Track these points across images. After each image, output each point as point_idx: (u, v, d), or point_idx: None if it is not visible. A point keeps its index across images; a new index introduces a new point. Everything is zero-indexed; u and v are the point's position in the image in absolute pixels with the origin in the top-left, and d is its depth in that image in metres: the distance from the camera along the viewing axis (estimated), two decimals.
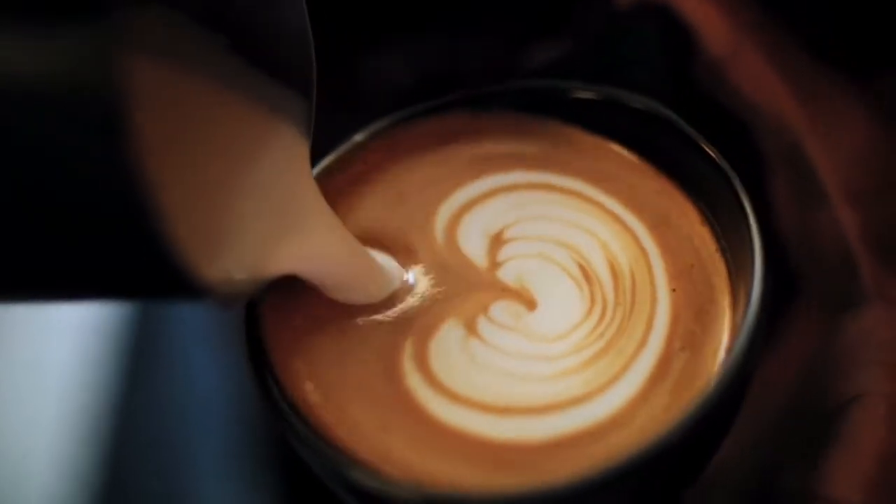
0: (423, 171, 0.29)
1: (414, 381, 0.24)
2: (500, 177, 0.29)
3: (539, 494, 0.22)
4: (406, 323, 0.26)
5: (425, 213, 0.28)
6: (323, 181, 0.28)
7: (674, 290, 0.26)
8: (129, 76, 0.17)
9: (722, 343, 0.25)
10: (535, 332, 0.25)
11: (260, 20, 0.24)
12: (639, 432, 0.23)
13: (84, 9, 0.17)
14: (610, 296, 0.26)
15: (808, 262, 0.29)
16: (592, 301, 0.26)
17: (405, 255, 0.27)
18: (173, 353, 0.50)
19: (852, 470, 0.26)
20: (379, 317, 0.26)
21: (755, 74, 0.29)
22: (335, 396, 0.24)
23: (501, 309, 0.26)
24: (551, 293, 0.26)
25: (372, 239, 0.27)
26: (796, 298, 0.30)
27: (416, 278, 0.27)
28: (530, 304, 0.26)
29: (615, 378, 0.24)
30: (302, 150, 0.25)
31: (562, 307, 0.26)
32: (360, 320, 0.26)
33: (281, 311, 0.26)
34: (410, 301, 0.26)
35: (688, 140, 0.27)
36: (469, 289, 0.26)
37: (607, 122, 0.29)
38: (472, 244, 0.27)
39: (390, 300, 0.26)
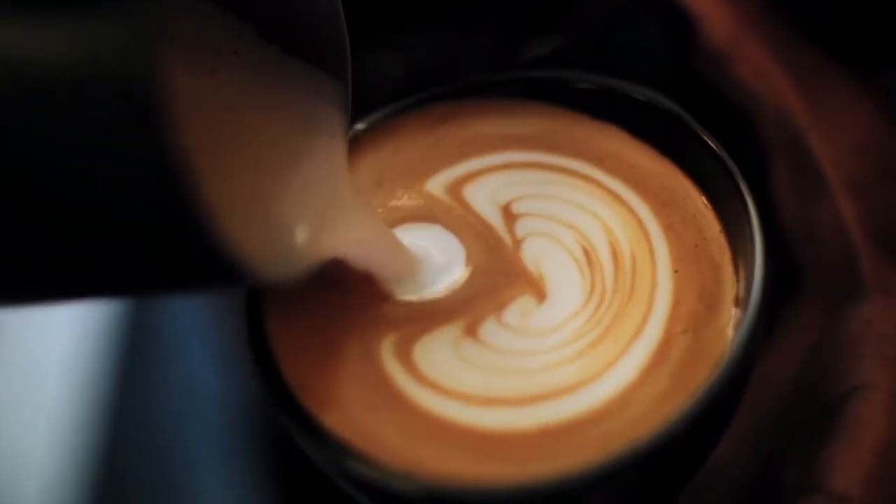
0: (420, 152, 0.29)
1: (407, 377, 0.24)
2: (496, 155, 0.29)
3: (532, 487, 0.21)
4: (410, 320, 0.25)
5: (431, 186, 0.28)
6: None
7: (676, 271, 0.26)
8: (164, 65, 0.17)
9: (728, 323, 0.24)
10: (536, 327, 0.25)
11: (290, 3, 0.24)
12: (637, 418, 0.23)
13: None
14: (609, 281, 0.26)
15: (809, 254, 0.29)
16: (592, 287, 0.26)
17: None
18: (170, 349, 0.50)
19: (852, 463, 0.26)
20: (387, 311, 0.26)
21: (757, 65, 0.29)
22: (336, 390, 0.24)
23: (517, 305, 0.25)
24: (559, 281, 0.26)
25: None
26: (797, 290, 0.30)
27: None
28: (541, 297, 0.26)
29: (611, 364, 0.24)
30: (341, 133, 0.25)
31: (564, 297, 0.26)
32: (370, 312, 0.26)
33: (282, 307, 0.26)
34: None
35: (691, 133, 0.27)
36: (500, 277, 0.26)
37: (609, 110, 0.28)
38: (487, 212, 0.27)
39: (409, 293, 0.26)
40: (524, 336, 0.25)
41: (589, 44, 0.29)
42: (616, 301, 0.25)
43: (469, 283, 0.26)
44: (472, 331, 0.25)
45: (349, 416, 0.24)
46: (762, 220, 0.25)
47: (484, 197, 0.28)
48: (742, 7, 0.29)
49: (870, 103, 0.29)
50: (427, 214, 0.28)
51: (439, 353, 0.25)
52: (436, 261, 0.26)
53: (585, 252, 0.26)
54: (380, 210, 0.28)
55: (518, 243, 0.27)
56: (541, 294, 0.26)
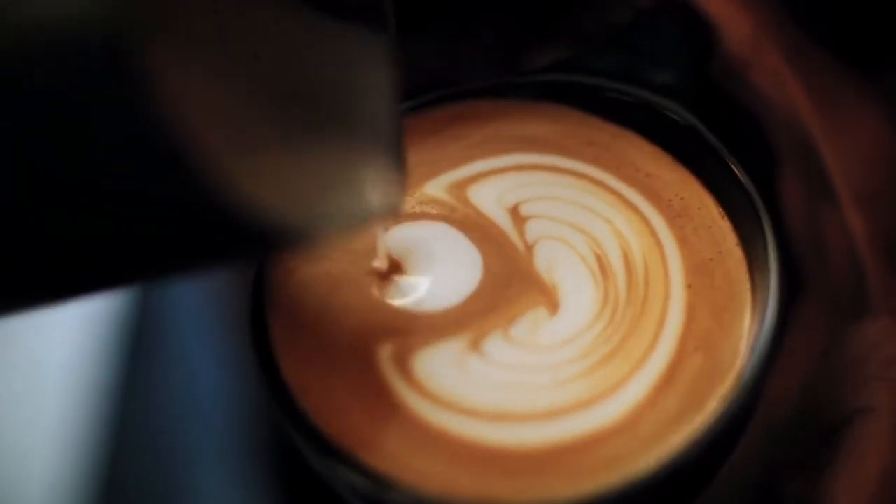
0: (427, 153, 0.28)
1: (411, 389, 0.24)
2: (506, 157, 0.28)
3: None
4: (420, 326, 0.25)
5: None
6: None
7: (690, 286, 0.25)
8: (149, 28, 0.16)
9: (741, 342, 0.24)
10: (546, 340, 0.24)
11: None
12: (646, 438, 0.23)
13: None
14: (622, 294, 0.25)
15: (816, 268, 0.29)
16: (605, 299, 0.25)
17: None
18: (172, 352, 0.50)
19: (856, 485, 0.26)
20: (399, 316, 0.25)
21: (773, 73, 0.28)
22: (339, 399, 0.24)
23: (530, 316, 0.25)
24: (573, 290, 0.25)
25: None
26: (803, 305, 0.30)
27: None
28: (553, 308, 0.25)
29: (621, 382, 0.23)
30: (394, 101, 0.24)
31: (577, 308, 0.25)
32: (374, 319, 0.25)
33: (287, 312, 0.25)
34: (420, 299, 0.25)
35: (709, 147, 0.26)
36: (515, 287, 0.25)
37: (625, 116, 0.28)
38: (496, 214, 0.27)
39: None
40: (534, 350, 0.24)
41: (605, 48, 0.29)
42: (629, 315, 0.24)
43: (483, 289, 0.25)
44: (479, 343, 0.24)
45: (351, 425, 0.23)
46: (778, 238, 0.24)
47: (491, 199, 0.27)
48: (760, 13, 0.29)
49: (883, 113, 0.29)
50: (433, 216, 0.27)
51: (445, 365, 0.24)
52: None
53: (598, 259, 0.26)
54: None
55: (530, 248, 0.26)
56: (553, 305, 0.25)
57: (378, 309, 0.25)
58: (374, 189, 0.22)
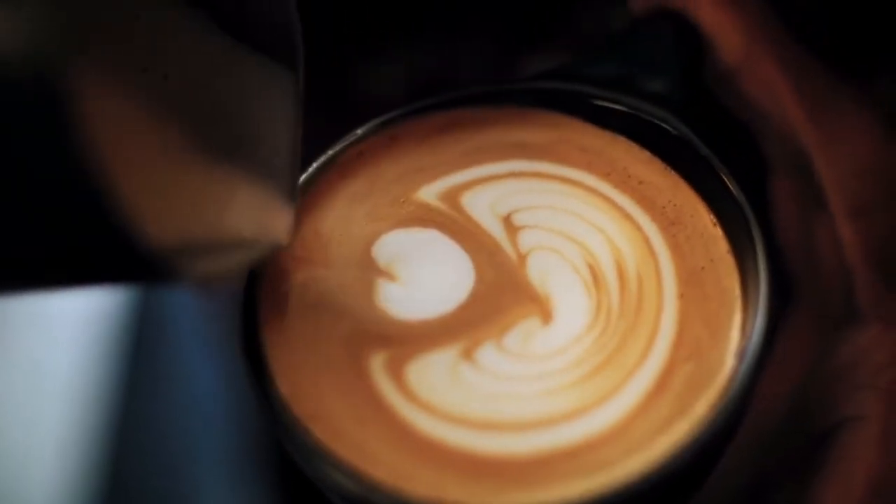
0: (420, 159, 0.28)
1: (402, 395, 0.24)
2: (499, 164, 0.28)
3: None
4: (409, 338, 0.25)
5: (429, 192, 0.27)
6: (317, 175, 0.27)
7: (682, 295, 0.25)
8: (74, 63, 0.16)
9: (730, 350, 0.24)
10: (539, 350, 0.24)
11: None
12: (635, 447, 0.23)
13: None
14: (615, 304, 0.25)
15: (806, 276, 0.29)
16: (598, 310, 0.25)
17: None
18: (171, 356, 0.49)
19: (845, 492, 0.26)
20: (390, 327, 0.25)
21: (765, 82, 0.29)
22: (329, 405, 0.24)
23: (522, 326, 0.25)
24: (565, 301, 0.25)
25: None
26: (794, 313, 0.30)
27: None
28: (546, 318, 0.25)
29: (612, 392, 0.23)
30: (291, 130, 0.25)
31: (569, 319, 0.25)
32: (369, 329, 0.25)
33: (278, 319, 0.25)
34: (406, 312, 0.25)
35: (701, 159, 0.26)
36: (508, 296, 0.25)
37: (618, 124, 0.28)
38: (489, 222, 0.27)
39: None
40: (526, 359, 0.24)
41: (598, 56, 0.29)
42: (621, 326, 0.25)
43: (476, 298, 0.25)
44: (470, 352, 0.24)
45: (341, 431, 0.23)
46: (768, 249, 0.24)
47: (484, 206, 0.27)
48: (752, 23, 0.29)
49: (877, 124, 0.29)
50: (426, 222, 0.27)
51: (436, 374, 0.24)
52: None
53: (591, 270, 0.26)
54: (373, 217, 0.27)
55: (523, 258, 0.26)
56: (546, 315, 0.25)
57: (370, 316, 0.25)
58: (261, 221, 0.23)
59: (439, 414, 0.23)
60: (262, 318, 0.25)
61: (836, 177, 0.28)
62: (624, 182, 0.27)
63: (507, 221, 0.27)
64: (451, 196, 0.27)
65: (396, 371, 0.24)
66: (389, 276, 0.26)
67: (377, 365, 0.24)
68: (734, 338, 0.24)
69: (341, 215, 0.27)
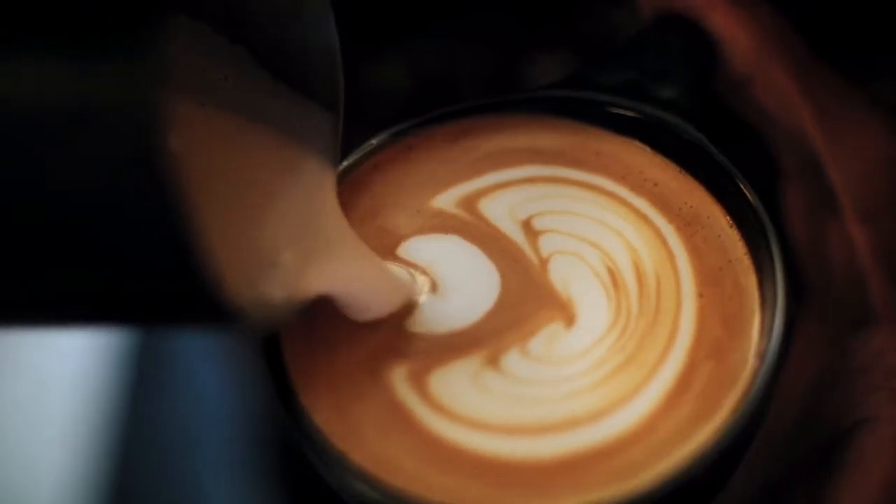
0: (433, 169, 0.28)
1: (426, 405, 0.24)
2: (515, 170, 0.28)
3: None
4: (433, 346, 0.25)
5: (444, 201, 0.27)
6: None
7: (701, 295, 0.25)
8: (166, 109, 0.17)
9: (751, 350, 0.24)
10: (560, 354, 0.24)
11: (284, 31, 0.23)
12: (658, 448, 0.23)
13: (126, 42, 0.17)
14: (634, 305, 0.25)
15: (819, 279, 0.29)
16: (618, 312, 0.25)
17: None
18: (178, 364, 0.49)
19: (860, 494, 0.26)
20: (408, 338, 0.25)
21: (776, 89, 0.29)
22: (353, 415, 0.24)
23: (546, 331, 0.25)
24: (586, 304, 0.25)
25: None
26: (806, 315, 0.30)
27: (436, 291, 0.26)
28: (569, 322, 0.25)
29: (633, 392, 0.24)
30: (329, 170, 0.25)
31: (591, 322, 0.25)
32: (387, 340, 0.25)
33: (301, 329, 0.25)
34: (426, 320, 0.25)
35: (716, 164, 0.26)
36: (532, 302, 0.25)
37: (632, 129, 0.28)
38: (509, 228, 0.27)
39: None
40: (548, 364, 0.24)
41: (609, 63, 0.29)
42: (640, 326, 0.25)
43: (501, 306, 0.25)
44: (495, 358, 0.24)
45: (364, 441, 0.23)
46: (784, 253, 0.25)
47: (503, 212, 0.27)
48: (763, 29, 0.29)
49: (886, 127, 0.29)
50: (447, 230, 0.27)
51: (458, 381, 0.24)
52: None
53: (610, 273, 0.26)
54: (391, 229, 0.27)
55: (544, 262, 0.26)
56: (569, 319, 0.25)
57: (393, 324, 0.25)
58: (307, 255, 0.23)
59: (461, 420, 0.23)
60: (284, 329, 0.25)
61: (846, 180, 0.29)
62: (640, 185, 0.27)
63: (527, 226, 0.27)
64: (469, 203, 0.27)
65: (419, 380, 0.24)
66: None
67: (400, 374, 0.24)
68: (754, 338, 0.24)
69: (360, 227, 0.27)
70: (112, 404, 0.50)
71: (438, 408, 0.24)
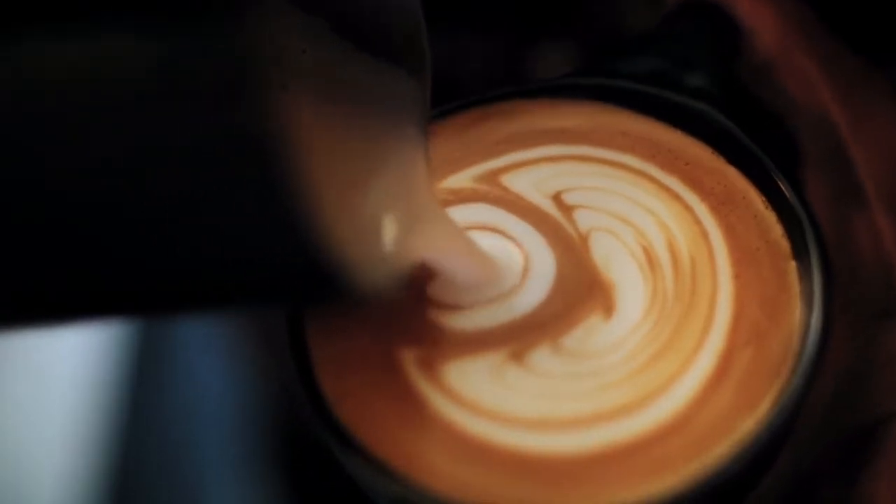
0: (451, 151, 0.27)
1: (454, 400, 0.23)
2: (537, 149, 0.26)
3: None
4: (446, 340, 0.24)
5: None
6: None
7: (737, 276, 0.24)
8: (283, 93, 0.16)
9: (792, 335, 0.23)
10: (597, 345, 0.23)
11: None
12: (698, 440, 0.21)
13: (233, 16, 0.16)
14: (670, 288, 0.24)
15: (845, 269, 0.29)
16: (654, 296, 0.24)
17: None
18: (178, 364, 0.49)
19: (891, 488, 0.25)
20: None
21: (801, 76, 0.28)
22: (376, 409, 0.23)
23: (589, 319, 0.23)
24: (626, 289, 0.24)
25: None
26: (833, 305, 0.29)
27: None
28: (608, 310, 0.24)
29: (670, 381, 0.22)
30: (421, 135, 0.24)
31: (629, 308, 0.23)
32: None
33: (323, 321, 0.24)
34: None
35: (746, 150, 0.26)
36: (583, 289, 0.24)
37: (661, 112, 0.27)
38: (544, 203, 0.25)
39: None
40: (582, 356, 0.23)
41: (632, 52, 0.28)
42: (676, 311, 0.23)
43: (554, 293, 0.24)
44: (520, 355, 0.23)
45: (389, 435, 0.22)
46: (819, 239, 0.24)
47: (529, 186, 0.26)
48: (789, 18, 0.29)
49: None
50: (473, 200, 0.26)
51: (483, 376, 0.23)
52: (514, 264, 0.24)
53: (646, 252, 0.24)
54: None
55: (584, 239, 0.25)
56: (609, 308, 0.24)
57: (424, 316, 0.24)
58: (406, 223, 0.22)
59: (488, 414, 0.22)
60: (308, 322, 0.24)
61: (871, 168, 0.28)
62: (670, 164, 0.26)
63: (558, 200, 0.25)
64: (490, 178, 0.26)
65: (443, 373, 0.23)
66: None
67: (424, 367, 0.23)
68: (795, 323, 0.23)
69: None
70: (112, 404, 0.50)
71: (464, 402, 0.22)
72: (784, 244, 0.24)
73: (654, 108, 0.27)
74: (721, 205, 0.25)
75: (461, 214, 0.25)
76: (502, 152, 0.27)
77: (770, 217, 0.25)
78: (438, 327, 0.24)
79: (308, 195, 0.17)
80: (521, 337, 0.23)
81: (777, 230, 0.25)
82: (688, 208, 0.25)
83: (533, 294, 0.24)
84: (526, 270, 0.24)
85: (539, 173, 0.26)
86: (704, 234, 0.25)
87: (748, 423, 0.21)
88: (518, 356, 0.23)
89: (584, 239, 0.25)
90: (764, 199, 0.25)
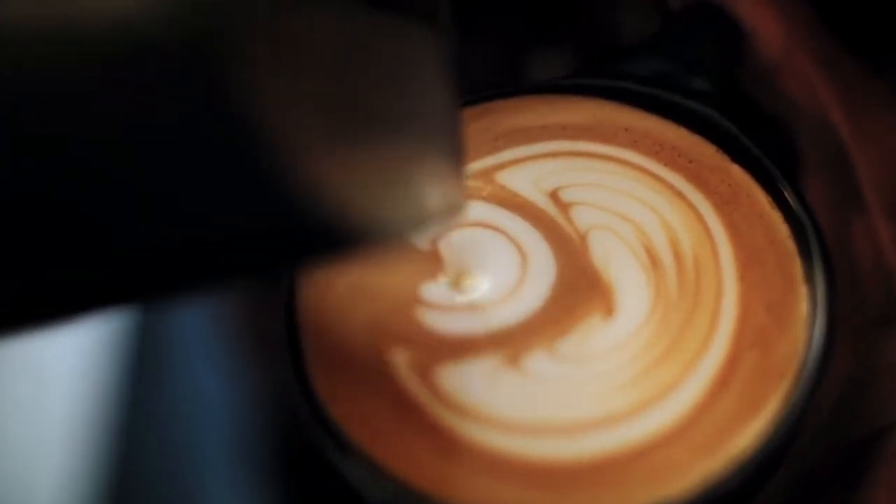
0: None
1: (447, 402, 0.22)
2: (537, 145, 0.26)
3: None
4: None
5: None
6: None
7: (742, 278, 0.23)
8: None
9: (798, 339, 0.22)
10: (597, 348, 0.23)
11: None
12: (701, 446, 0.21)
13: None
14: (673, 289, 0.23)
15: (846, 274, 0.28)
16: (657, 297, 0.23)
17: None
18: (178, 364, 0.49)
19: (891, 496, 0.25)
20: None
21: (804, 80, 0.28)
22: (375, 411, 0.22)
23: (587, 322, 0.23)
24: (626, 289, 0.23)
25: None
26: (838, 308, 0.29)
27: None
28: (608, 312, 0.23)
29: (673, 386, 0.22)
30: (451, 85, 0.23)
31: (630, 310, 0.23)
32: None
33: (320, 322, 0.24)
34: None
35: (751, 153, 0.25)
36: (583, 292, 0.23)
37: (664, 110, 0.26)
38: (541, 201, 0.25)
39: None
40: (584, 358, 0.22)
41: (635, 54, 0.28)
42: (680, 312, 0.23)
43: (553, 293, 0.23)
44: (519, 357, 0.23)
45: (382, 436, 0.22)
46: (822, 241, 0.23)
47: (527, 183, 0.25)
48: (792, 20, 0.28)
49: None
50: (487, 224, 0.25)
51: (481, 378, 0.22)
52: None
53: (648, 252, 0.24)
54: None
55: (583, 238, 0.24)
56: (609, 309, 0.23)
57: (419, 317, 0.23)
58: (433, 190, 0.21)
59: (486, 419, 0.22)
60: (304, 322, 0.24)
61: (872, 174, 0.28)
62: (673, 161, 0.25)
63: (556, 197, 0.25)
64: (487, 175, 0.25)
65: (440, 377, 0.23)
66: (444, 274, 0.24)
67: (418, 369, 0.23)
68: (800, 326, 0.23)
69: None
70: (112, 404, 0.50)
71: (461, 405, 0.22)
72: (790, 245, 0.24)
73: (656, 108, 0.26)
74: (725, 203, 0.25)
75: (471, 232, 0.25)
76: (501, 148, 0.26)
77: (776, 217, 0.24)
78: (432, 329, 0.23)
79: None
80: (517, 337, 0.23)
81: (783, 230, 0.24)
82: (691, 206, 0.24)
83: (531, 294, 0.23)
84: (523, 269, 0.24)
85: (538, 169, 0.25)
86: (708, 233, 0.24)
87: (752, 429, 0.21)
88: (514, 358, 0.22)
89: (583, 237, 0.24)
90: (769, 198, 0.25)
